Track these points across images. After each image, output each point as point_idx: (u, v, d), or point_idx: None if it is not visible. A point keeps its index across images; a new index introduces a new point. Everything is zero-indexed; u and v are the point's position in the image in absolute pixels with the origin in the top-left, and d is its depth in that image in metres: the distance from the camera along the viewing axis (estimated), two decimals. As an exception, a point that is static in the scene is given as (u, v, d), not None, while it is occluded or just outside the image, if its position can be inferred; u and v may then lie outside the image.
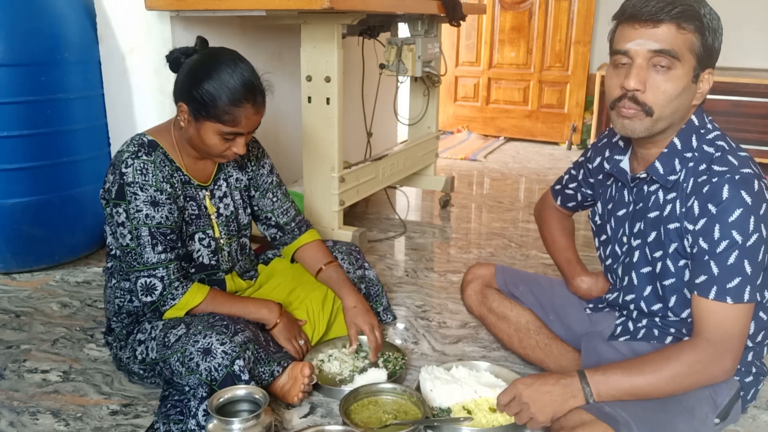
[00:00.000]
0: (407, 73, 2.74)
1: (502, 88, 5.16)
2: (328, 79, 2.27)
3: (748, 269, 1.23)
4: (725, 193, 1.23)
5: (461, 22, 2.85)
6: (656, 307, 1.43)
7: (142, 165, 1.53)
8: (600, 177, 1.58)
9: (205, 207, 1.67)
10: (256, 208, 1.83)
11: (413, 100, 3.27)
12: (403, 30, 2.92)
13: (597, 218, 1.59)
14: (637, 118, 1.28)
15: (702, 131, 1.33)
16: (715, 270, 1.24)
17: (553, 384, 1.30)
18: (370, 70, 3.03)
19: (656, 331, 1.45)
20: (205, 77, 1.49)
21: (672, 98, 1.26)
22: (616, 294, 1.53)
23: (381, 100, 3.09)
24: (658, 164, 1.35)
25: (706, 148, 1.31)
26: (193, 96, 1.50)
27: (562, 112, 4.98)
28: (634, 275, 1.46)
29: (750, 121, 3.94)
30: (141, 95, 2.42)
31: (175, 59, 1.58)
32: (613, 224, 1.52)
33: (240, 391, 1.37)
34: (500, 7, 5.00)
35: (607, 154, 1.54)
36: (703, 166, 1.29)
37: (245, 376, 1.43)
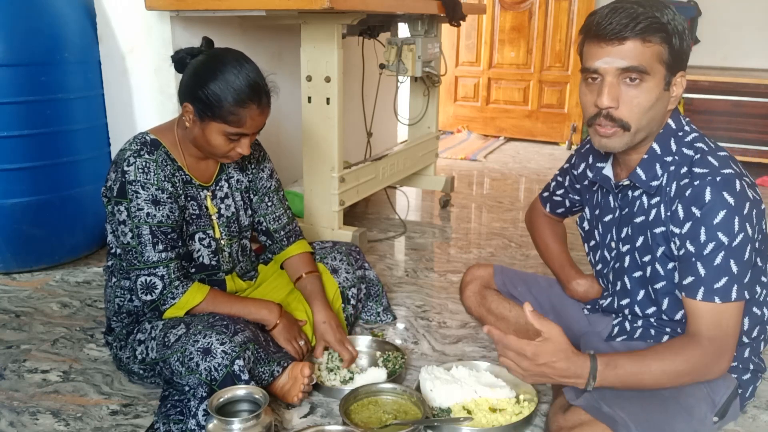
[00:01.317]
0: (407, 73, 2.74)
1: (502, 88, 5.16)
2: (328, 79, 2.27)
3: (735, 269, 1.24)
4: (708, 196, 1.23)
5: (461, 22, 2.85)
6: (650, 310, 1.44)
7: (144, 163, 1.53)
8: (585, 183, 1.59)
9: (206, 207, 1.67)
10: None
11: (413, 100, 3.27)
12: (403, 30, 2.92)
13: (585, 224, 1.60)
14: (615, 136, 1.28)
15: (680, 134, 1.34)
16: (702, 271, 1.25)
17: (560, 358, 1.24)
18: (370, 70, 3.03)
19: (653, 331, 1.46)
20: (210, 78, 1.49)
21: (646, 110, 1.26)
22: (609, 299, 1.54)
23: (381, 100, 3.09)
24: (639, 171, 1.35)
25: (685, 150, 1.32)
26: (199, 96, 1.50)
27: (562, 112, 4.98)
28: (626, 280, 1.46)
29: (750, 121, 3.93)
30: (141, 95, 2.42)
31: (180, 59, 1.58)
32: (600, 230, 1.52)
33: (240, 391, 1.37)
34: (500, 7, 5.00)
35: (590, 160, 1.54)
36: (684, 169, 1.30)
37: (245, 376, 1.43)
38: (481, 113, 5.28)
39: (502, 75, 5.14)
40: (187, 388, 1.47)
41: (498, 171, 4.24)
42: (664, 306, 1.39)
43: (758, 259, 1.31)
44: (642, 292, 1.44)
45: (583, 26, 1.29)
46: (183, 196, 1.61)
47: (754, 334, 1.39)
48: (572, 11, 4.77)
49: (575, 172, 1.62)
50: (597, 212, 1.53)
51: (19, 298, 2.20)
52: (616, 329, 1.53)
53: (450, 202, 3.40)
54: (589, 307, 1.65)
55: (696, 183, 1.26)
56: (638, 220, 1.39)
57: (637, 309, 1.46)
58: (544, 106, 5.04)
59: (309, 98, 2.34)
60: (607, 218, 1.49)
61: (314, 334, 1.75)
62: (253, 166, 1.79)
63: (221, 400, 1.34)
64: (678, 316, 1.38)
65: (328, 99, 2.30)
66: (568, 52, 4.85)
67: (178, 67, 1.59)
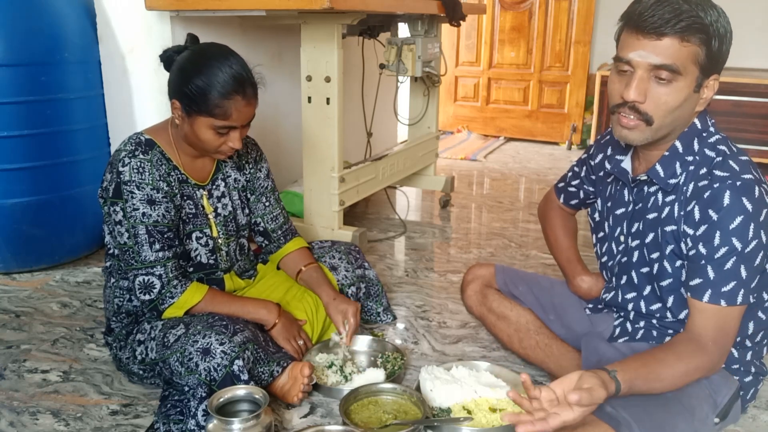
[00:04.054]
0: (407, 73, 2.74)
1: (502, 88, 5.16)
2: (328, 79, 2.27)
3: (744, 274, 1.23)
4: (726, 200, 1.23)
5: (461, 22, 2.85)
6: (655, 306, 1.43)
7: (138, 163, 1.53)
8: (601, 174, 1.58)
9: (203, 206, 1.67)
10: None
11: (413, 100, 3.27)
12: (403, 30, 2.92)
13: (596, 215, 1.59)
14: (637, 129, 1.27)
15: (704, 134, 1.33)
16: (711, 274, 1.25)
17: (591, 376, 1.16)
18: (370, 70, 3.03)
19: (654, 333, 1.45)
20: (194, 73, 1.50)
21: (672, 110, 1.25)
22: (613, 293, 1.54)
23: (381, 100, 3.08)
24: (659, 167, 1.34)
25: (707, 151, 1.31)
26: (184, 92, 1.50)
27: (562, 112, 4.98)
28: (633, 275, 1.46)
29: (750, 121, 3.93)
30: (141, 95, 2.42)
31: (168, 58, 1.58)
32: (611, 222, 1.52)
33: (240, 391, 1.37)
34: (500, 7, 5.00)
35: (609, 152, 1.54)
36: (703, 170, 1.29)
37: (244, 376, 1.43)
38: (481, 113, 5.28)
39: (502, 75, 5.13)
40: (186, 389, 1.47)
41: (498, 171, 4.24)
42: (669, 303, 1.39)
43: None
44: (648, 288, 1.44)
45: (624, 13, 1.26)
46: (179, 195, 1.61)
47: (758, 338, 1.39)
48: (572, 11, 4.76)
49: (592, 163, 1.61)
50: (609, 204, 1.53)
51: (19, 298, 2.20)
52: (617, 330, 1.53)
53: (450, 202, 3.40)
54: (590, 306, 1.65)
55: (716, 186, 1.25)
56: (651, 216, 1.38)
57: (642, 305, 1.45)
58: (544, 106, 5.04)
59: (309, 98, 2.34)
60: (619, 211, 1.49)
61: (327, 312, 1.75)
62: (250, 166, 1.79)
63: (221, 400, 1.34)
64: (682, 315, 1.38)
65: (328, 99, 2.30)
66: (568, 52, 4.85)
67: (166, 65, 1.59)
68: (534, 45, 4.95)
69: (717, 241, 1.23)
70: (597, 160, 1.59)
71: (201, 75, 1.49)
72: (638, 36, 1.22)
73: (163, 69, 1.60)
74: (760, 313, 1.36)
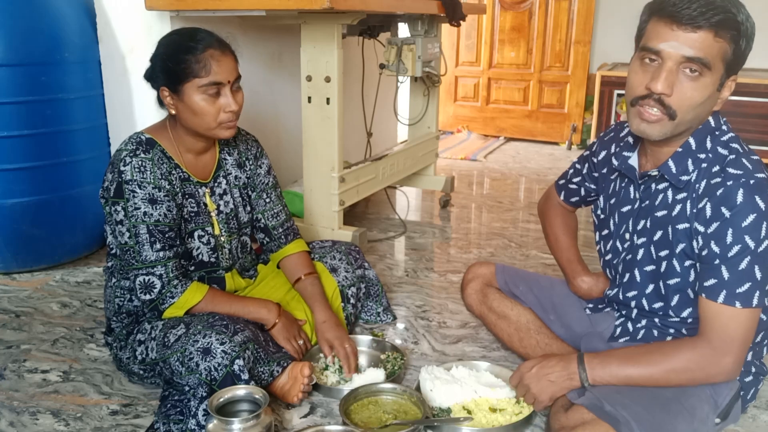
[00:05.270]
0: (407, 73, 2.74)
1: (502, 88, 5.16)
2: (328, 79, 2.27)
3: (759, 275, 1.23)
4: (739, 198, 1.22)
5: (461, 22, 2.85)
6: (657, 305, 1.43)
7: (140, 163, 1.53)
8: (604, 171, 1.57)
9: (205, 204, 1.67)
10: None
11: (413, 100, 3.27)
12: (403, 30, 2.92)
13: (599, 212, 1.58)
14: (659, 123, 1.26)
15: (717, 132, 1.32)
16: (726, 275, 1.24)
17: (553, 366, 1.36)
18: (370, 70, 3.03)
19: (656, 332, 1.45)
20: (166, 52, 1.55)
21: (696, 105, 1.24)
22: (615, 290, 1.53)
23: (381, 100, 3.08)
24: (671, 163, 1.33)
25: (720, 149, 1.30)
26: (165, 72, 1.54)
27: (562, 112, 4.98)
28: (636, 273, 1.45)
29: (750, 121, 3.93)
30: (141, 95, 2.42)
31: (148, 71, 1.60)
32: (616, 219, 1.51)
33: (240, 391, 1.37)
34: (500, 7, 5.00)
35: (614, 149, 1.53)
36: (716, 168, 1.28)
37: (245, 376, 1.43)
38: (481, 113, 5.28)
39: (502, 75, 5.14)
40: (187, 388, 1.47)
41: (498, 171, 4.24)
42: (673, 302, 1.39)
43: None
44: (651, 287, 1.43)
45: (653, 2, 1.24)
46: (180, 194, 1.61)
47: (758, 338, 1.39)
48: (572, 11, 4.76)
49: (595, 160, 1.60)
50: (613, 201, 1.52)
51: (19, 298, 2.20)
52: (618, 330, 1.53)
53: (450, 202, 3.40)
54: (591, 306, 1.65)
55: (729, 183, 1.24)
56: (659, 213, 1.37)
57: (644, 303, 1.45)
58: (544, 106, 5.04)
59: (309, 98, 2.34)
60: (625, 209, 1.48)
61: (315, 335, 1.75)
62: (251, 162, 1.79)
63: (221, 400, 1.34)
64: (684, 314, 1.38)
65: (328, 99, 2.30)
66: (568, 52, 4.85)
67: (150, 78, 1.60)
68: (534, 45, 4.95)
69: (729, 238, 1.23)
70: (600, 157, 1.58)
71: (172, 51, 1.53)
72: (672, 26, 1.19)
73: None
74: (761, 315, 1.36)
